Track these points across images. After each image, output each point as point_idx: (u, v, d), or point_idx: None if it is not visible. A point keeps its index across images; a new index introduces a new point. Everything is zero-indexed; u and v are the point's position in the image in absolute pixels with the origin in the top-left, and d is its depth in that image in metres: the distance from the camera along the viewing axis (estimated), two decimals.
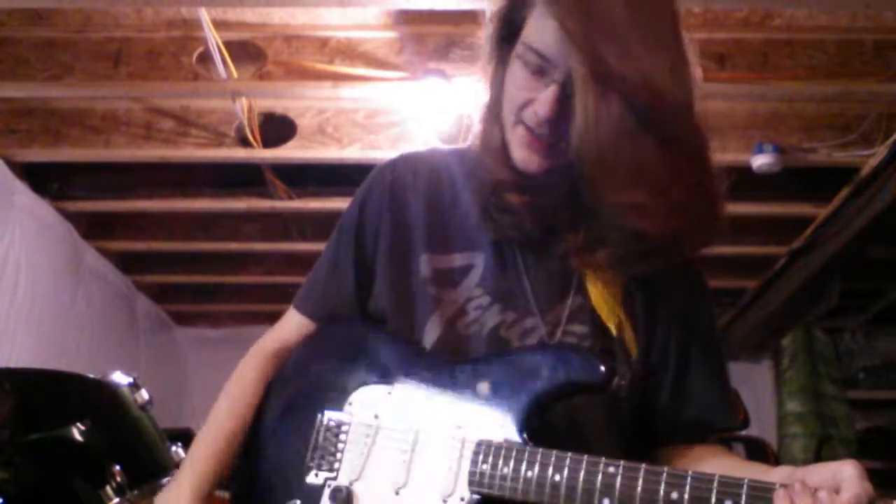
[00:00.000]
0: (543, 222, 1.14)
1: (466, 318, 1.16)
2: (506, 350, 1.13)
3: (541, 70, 1.05)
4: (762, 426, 4.91)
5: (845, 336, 5.26)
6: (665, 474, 0.92)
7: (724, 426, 1.21)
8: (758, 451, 4.17)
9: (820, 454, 4.59)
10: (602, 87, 0.97)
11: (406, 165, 1.27)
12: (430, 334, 1.17)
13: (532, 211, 1.13)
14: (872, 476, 0.84)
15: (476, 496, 1.02)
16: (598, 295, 1.14)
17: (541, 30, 1.04)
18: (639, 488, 0.92)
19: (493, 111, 1.15)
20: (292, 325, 1.29)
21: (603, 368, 1.03)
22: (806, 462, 4.65)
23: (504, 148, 1.12)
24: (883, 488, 0.83)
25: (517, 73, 1.08)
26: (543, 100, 1.04)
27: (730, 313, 4.79)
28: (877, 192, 3.22)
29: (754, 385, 5.20)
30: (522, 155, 1.09)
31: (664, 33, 1.03)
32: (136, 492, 1.35)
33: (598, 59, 0.97)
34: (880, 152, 3.03)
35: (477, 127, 1.19)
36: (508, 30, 1.11)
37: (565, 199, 1.12)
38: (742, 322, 4.79)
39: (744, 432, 3.91)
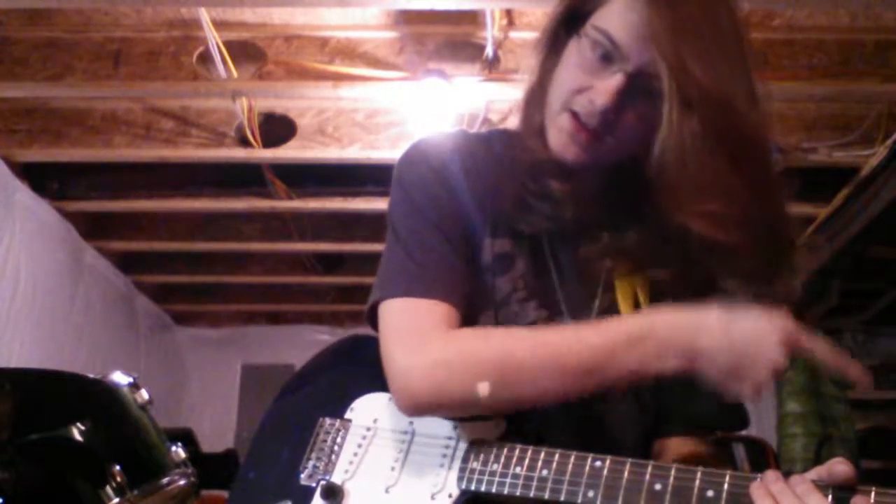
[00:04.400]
0: (581, 215, 1.10)
1: (508, 309, 1.13)
2: None
3: (608, 57, 1.01)
4: (762, 426, 4.90)
5: (845, 336, 5.25)
6: (651, 466, 0.92)
7: (725, 426, 1.21)
8: (758, 451, 4.17)
9: (820, 454, 4.59)
10: (687, 102, 0.95)
11: (450, 145, 1.17)
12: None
13: (572, 200, 1.09)
14: (872, 476, 0.84)
15: (464, 492, 1.02)
16: (625, 295, 1.14)
17: (619, 19, 1.00)
18: (624, 479, 0.92)
19: (538, 94, 1.10)
20: (438, 314, 1.08)
21: None
22: (806, 461, 4.66)
23: (542, 133, 1.08)
24: (879, 487, 0.83)
25: (579, 54, 1.03)
26: (603, 89, 1.00)
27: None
28: (877, 192, 3.22)
29: None
30: (561, 141, 1.05)
31: (742, 55, 1.01)
32: (136, 492, 1.34)
33: (686, 74, 0.95)
34: (880, 152, 3.03)
35: (520, 109, 1.14)
36: (574, 14, 1.07)
37: (600, 196, 1.11)
38: None
39: (744, 432, 3.91)
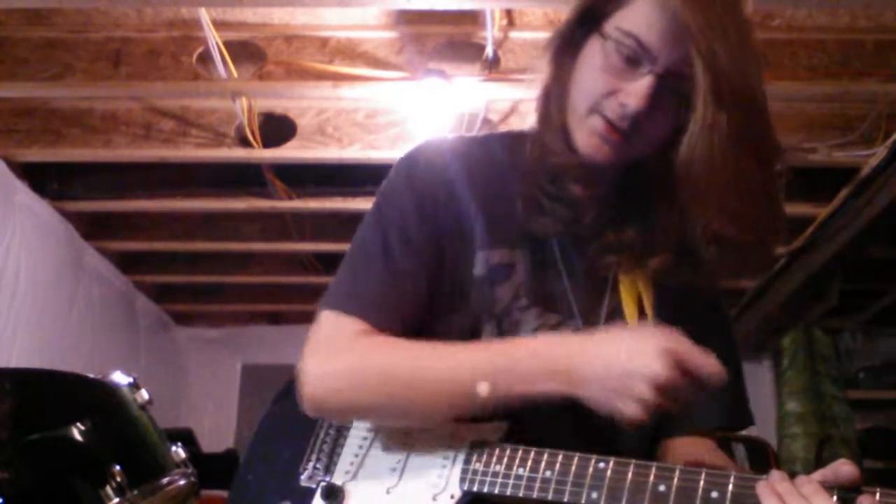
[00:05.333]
0: (599, 218, 1.11)
1: (510, 318, 1.13)
2: None
3: (634, 59, 1.01)
4: (762, 426, 4.90)
5: (845, 336, 5.25)
6: (654, 467, 0.92)
7: (727, 426, 1.21)
8: (758, 451, 4.17)
9: (820, 454, 4.59)
10: (719, 100, 0.95)
11: (445, 152, 1.17)
12: (488, 338, 1.13)
13: (594, 204, 1.10)
14: (872, 476, 0.84)
15: (466, 493, 1.02)
16: (628, 293, 1.14)
17: (645, 20, 1.00)
18: (627, 481, 0.92)
19: (557, 94, 1.10)
20: (357, 331, 1.09)
21: None
22: (806, 462, 4.66)
23: (566, 135, 1.08)
24: (883, 488, 0.83)
25: (604, 56, 1.03)
26: (636, 92, 1.00)
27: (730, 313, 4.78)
28: (877, 192, 3.22)
29: (754, 385, 5.21)
30: (593, 143, 1.04)
31: (756, 53, 1.02)
32: (136, 492, 1.34)
33: (719, 71, 0.95)
34: (880, 152, 3.03)
35: (538, 109, 1.13)
36: (591, 15, 1.07)
37: (614, 196, 1.11)
38: (742, 322, 4.79)
39: (744, 432, 3.90)
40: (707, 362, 0.93)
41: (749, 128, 0.98)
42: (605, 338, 0.99)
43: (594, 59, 1.05)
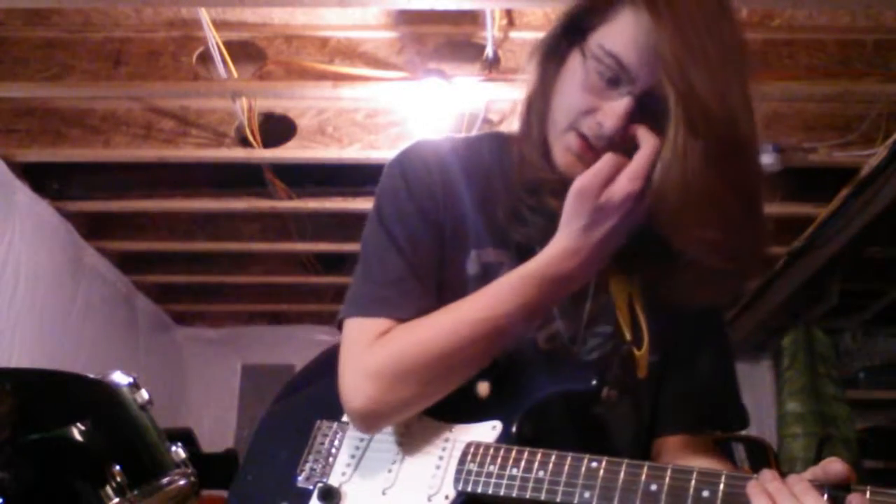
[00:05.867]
0: None
1: None
2: (514, 357, 1.12)
3: (614, 79, 1.00)
4: (762, 426, 4.91)
5: (845, 336, 5.25)
6: (646, 467, 0.92)
7: (724, 426, 1.21)
8: (758, 451, 4.17)
9: (820, 454, 4.59)
10: (693, 127, 0.94)
11: (438, 152, 1.18)
12: None
13: None
14: (872, 476, 0.84)
15: (460, 493, 1.02)
16: (619, 294, 1.14)
17: (627, 41, 0.99)
18: (619, 480, 0.92)
19: (539, 105, 1.10)
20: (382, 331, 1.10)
21: (594, 381, 1.04)
22: (806, 461, 4.65)
23: (545, 147, 1.08)
24: (874, 486, 0.83)
25: (585, 74, 1.03)
26: (612, 112, 1.00)
27: (730, 313, 4.79)
28: (877, 192, 3.22)
29: (754, 385, 5.21)
30: (568, 160, 1.05)
31: (743, 69, 1.00)
32: (136, 492, 1.35)
33: (694, 98, 0.94)
34: (880, 152, 3.03)
35: (520, 118, 1.14)
36: (576, 26, 1.06)
37: None
38: (742, 322, 4.78)
39: (743, 432, 3.90)
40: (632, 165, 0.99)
41: (728, 154, 0.96)
42: (564, 242, 1.02)
43: (575, 75, 1.04)
